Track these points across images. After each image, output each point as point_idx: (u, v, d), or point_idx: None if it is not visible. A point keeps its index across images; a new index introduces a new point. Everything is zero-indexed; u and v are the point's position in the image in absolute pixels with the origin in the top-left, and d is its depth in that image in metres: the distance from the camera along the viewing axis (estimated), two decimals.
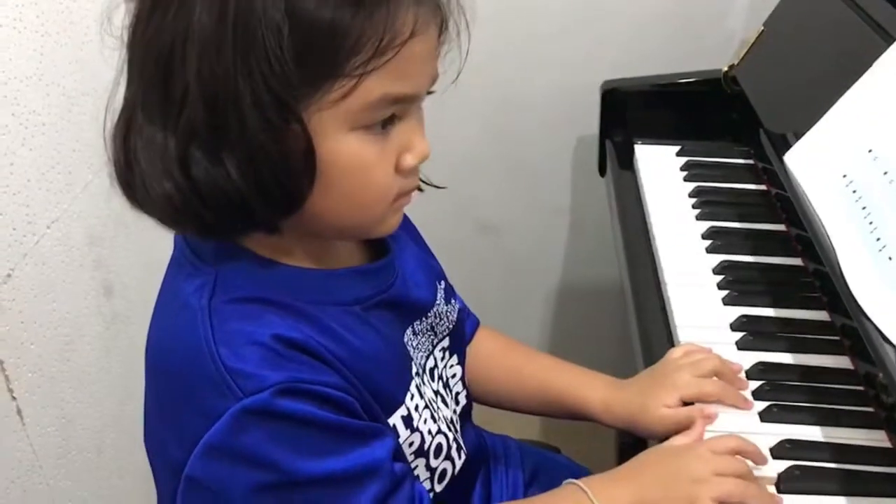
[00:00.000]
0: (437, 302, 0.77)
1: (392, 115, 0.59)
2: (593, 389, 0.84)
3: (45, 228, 0.96)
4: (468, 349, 0.89)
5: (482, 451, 0.87)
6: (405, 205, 0.66)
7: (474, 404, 0.87)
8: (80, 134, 1.00)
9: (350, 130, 0.58)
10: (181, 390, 0.60)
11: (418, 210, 0.76)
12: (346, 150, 0.58)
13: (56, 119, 0.96)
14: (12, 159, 0.90)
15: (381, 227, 0.65)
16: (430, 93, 0.63)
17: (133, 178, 0.59)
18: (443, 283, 0.80)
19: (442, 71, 0.63)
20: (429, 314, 0.75)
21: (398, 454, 0.66)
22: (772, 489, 0.71)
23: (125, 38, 0.58)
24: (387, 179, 0.61)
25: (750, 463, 0.71)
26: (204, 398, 0.58)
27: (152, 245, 0.68)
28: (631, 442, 0.87)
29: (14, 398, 0.91)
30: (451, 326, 0.79)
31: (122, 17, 0.59)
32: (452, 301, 0.81)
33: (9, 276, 0.89)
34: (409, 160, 0.61)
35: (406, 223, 0.82)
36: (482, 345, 0.91)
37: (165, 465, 0.64)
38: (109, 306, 1.11)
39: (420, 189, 0.69)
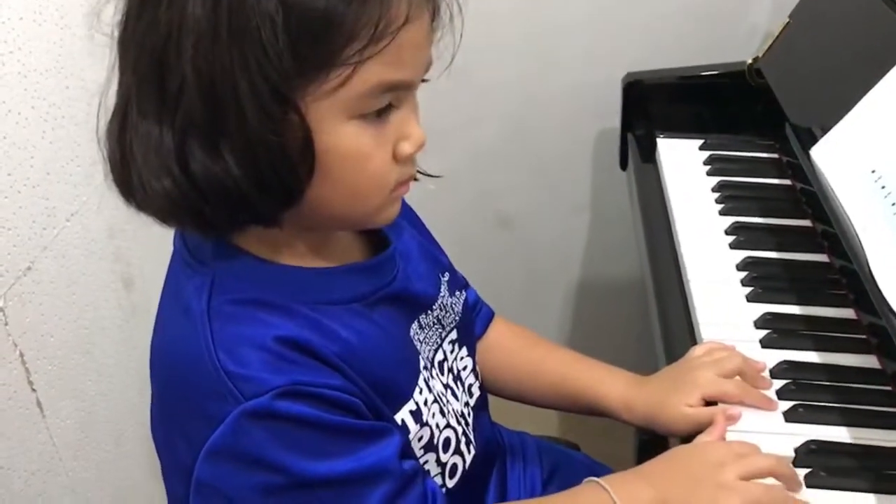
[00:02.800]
0: (441, 294, 0.76)
1: (388, 103, 0.59)
2: (613, 386, 0.83)
3: (65, 221, 0.97)
4: (484, 341, 0.89)
5: (495, 446, 0.86)
6: (403, 194, 0.65)
7: (492, 399, 0.87)
8: (100, 126, 1.00)
9: (347, 119, 0.57)
10: (185, 396, 0.60)
11: (438, 203, 0.75)
12: (343, 139, 0.58)
13: (76, 112, 0.97)
14: (32, 152, 0.90)
15: (379, 217, 0.65)
16: (423, 80, 0.63)
17: (129, 176, 0.58)
18: (447, 274, 0.79)
19: (436, 57, 0.62)
20: (434, 307, 0.75)
21: (407, 452, 0.65)
22: None
23: (115, 34, 0.58)
24: (384, 168, 0.61)
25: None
26: (207, 403, 0.58)
27: (171, 238, 0.68)
28: (650, 439, 0.86)
29: (34, 390, 0.92)
30: (457, 318, 0.78)
31: (111, 14, 0.58)
32: (458, 293, 0.80)
33: (29, 268, 0.90)
34: (406, 148, 0.61)
35: (410, 214, 0.81)
36: (500, 338, 0.90)
37: (174, 466, 0.64)
38: (129, 299, 1.12)
39: (415, 178, 0.68)
